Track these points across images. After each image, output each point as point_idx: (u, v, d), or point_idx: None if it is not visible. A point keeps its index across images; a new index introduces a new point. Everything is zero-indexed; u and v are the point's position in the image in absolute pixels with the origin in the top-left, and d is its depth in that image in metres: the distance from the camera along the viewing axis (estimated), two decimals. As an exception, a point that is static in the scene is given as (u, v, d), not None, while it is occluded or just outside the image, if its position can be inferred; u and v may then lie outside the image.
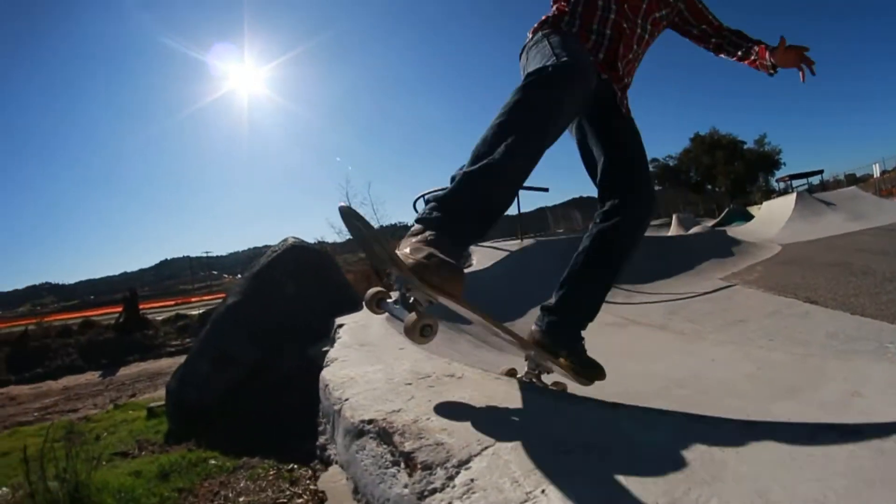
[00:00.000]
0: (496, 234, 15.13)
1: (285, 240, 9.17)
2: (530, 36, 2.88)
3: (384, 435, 1.69)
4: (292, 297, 8.27)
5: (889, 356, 3.54)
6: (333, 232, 18.20)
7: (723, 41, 3.12)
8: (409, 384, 2.18)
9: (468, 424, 1.62)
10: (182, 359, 16.07)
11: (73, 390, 14.97)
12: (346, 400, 2.09)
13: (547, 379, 2.71)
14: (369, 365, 2.68)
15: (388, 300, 2.15)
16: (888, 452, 1.39)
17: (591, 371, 2.70)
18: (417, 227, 2.02)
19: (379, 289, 2.20)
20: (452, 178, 2.17)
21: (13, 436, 9.79)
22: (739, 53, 3.07)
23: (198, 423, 7.72)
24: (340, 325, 4.60)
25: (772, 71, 2.99)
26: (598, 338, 5.03)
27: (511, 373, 2.63)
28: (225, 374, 8.06)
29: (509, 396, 1.94)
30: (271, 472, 5.46)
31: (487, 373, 2.36)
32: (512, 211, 11.66)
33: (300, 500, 4.13)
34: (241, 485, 5.03)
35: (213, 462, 6.14)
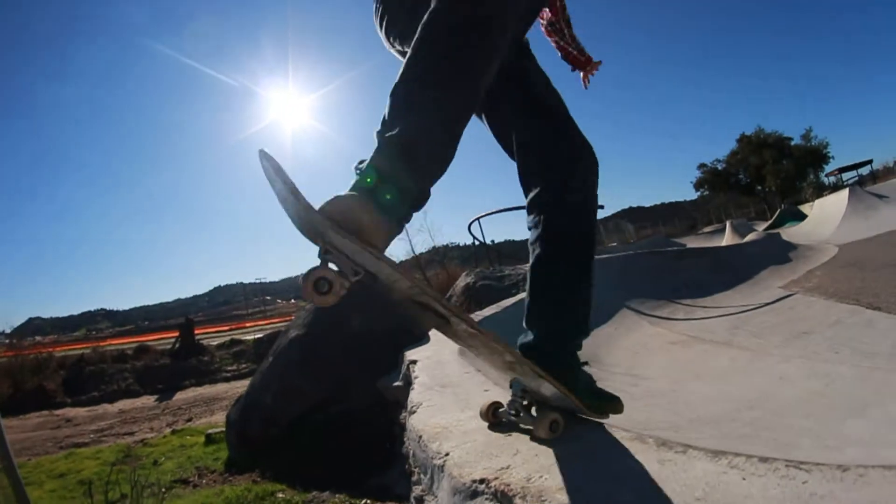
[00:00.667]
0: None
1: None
2: None
3: (503, 498, 1.70)
4: (357, 328, 8.38)
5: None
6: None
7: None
8: (509, 435, 2.23)
9: (583, 482, 1.68)
10: (237, 384, 16.43)
11: (128, 414, 15.38)
12: (448, 454, 2.14)
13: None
14: (459, 411, 2.73)
15: (501, 409, 2.30)
16: None
17: (607, 404, 2.39)
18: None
19: (494, 401, 2.31)
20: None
21: (69, 457, 10.06)
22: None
23: (261, 454, 7.87)
24: (413, 362, 4.67)
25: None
26: (662, 357, 5.13)
27: (495, 406, 2.42)
28: (289, 408, 8.19)
29: (612, 446, 2.01)
30: (345, 506, 5.54)
31: (582, 419, 2.35)
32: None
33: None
34: (315, 519, 5.10)
35: (280, 495, 6.26)
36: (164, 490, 7.04)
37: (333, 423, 7.79)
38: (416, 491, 2.70)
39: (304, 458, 7.44)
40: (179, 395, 18.20)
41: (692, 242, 24.91)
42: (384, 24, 2.51)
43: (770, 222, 31.76)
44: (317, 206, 1.57)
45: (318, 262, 1.60)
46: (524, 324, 2.43)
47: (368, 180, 1.68)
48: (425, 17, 1.90)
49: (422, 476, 2.52)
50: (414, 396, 3.37)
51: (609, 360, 5.24)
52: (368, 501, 5.63)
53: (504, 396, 2.41)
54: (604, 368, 4.89)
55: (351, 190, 1.69)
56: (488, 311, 6.62)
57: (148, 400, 17.99)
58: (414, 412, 3.01)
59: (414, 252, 19.20)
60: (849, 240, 12.16)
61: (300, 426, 7.98)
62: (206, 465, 8.66)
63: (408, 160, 1.73)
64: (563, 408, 2.26)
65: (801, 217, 27.25)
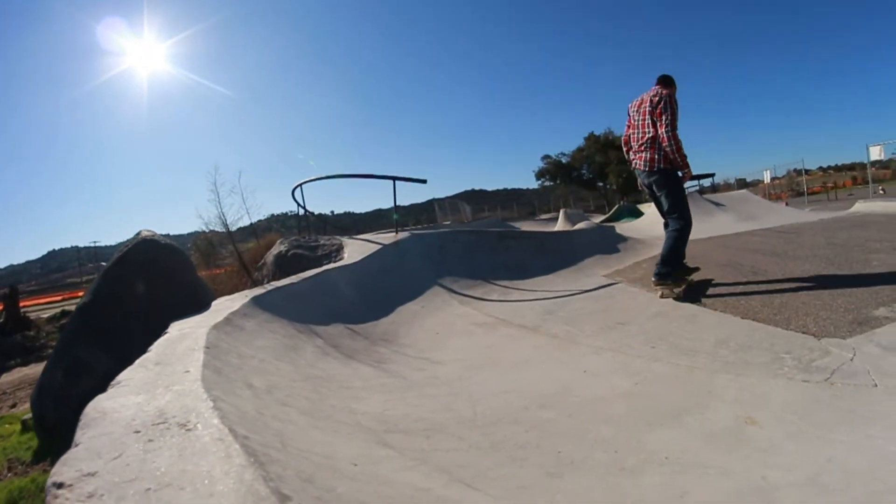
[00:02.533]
0: (387, 226, 14.54)
1: (138, 233, 8.33)
2: (655, 163, 5.87)
3: None
4: (142, 297, 7.49)
5: (786, 370, 3.07)
6: (202, 223, 17.33)
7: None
8: (138, 432, 1.71)
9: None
10: (65, 362, 15.09)
11: None
12: (76, 447, 1.71)
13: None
14: (136, 395, 2.20)
15: None
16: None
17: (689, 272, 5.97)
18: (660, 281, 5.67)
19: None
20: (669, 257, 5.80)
21: None
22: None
23: (56, 439, 7.13)
24: (165, 334, 3.96)
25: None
26: (463, 340, 4.48)
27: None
28: (78, 384, 7.32)
29: (198, 482, 1.35)
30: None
31: (223, 427, 1.72)
32: (388, 203, 11.17)
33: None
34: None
35: None
36: None
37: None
38: None
39: None
40: (4, 378, 16.53)
41: (526, 227, 25.01)
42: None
43: (607, 216, 32.51)
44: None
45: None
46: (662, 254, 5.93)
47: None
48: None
49: None
50: (122, 374, 2.91)
51: (405, 339, 4.69)
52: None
53: (193, 385, 2.30)
54: (395, 349, 4.36)
55: None
56: (285, 281, 5.84)
57: None
58: (107, 390, 2.47)
59: (224, 217, 17.85)
60: (682, 239, 12.15)
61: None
62: (18, 455, 7.70)
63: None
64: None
65: (638, 214, 27.86)
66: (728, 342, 3.73)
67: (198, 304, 5.93)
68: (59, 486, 1.34)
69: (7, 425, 9.84)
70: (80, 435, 1.79)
